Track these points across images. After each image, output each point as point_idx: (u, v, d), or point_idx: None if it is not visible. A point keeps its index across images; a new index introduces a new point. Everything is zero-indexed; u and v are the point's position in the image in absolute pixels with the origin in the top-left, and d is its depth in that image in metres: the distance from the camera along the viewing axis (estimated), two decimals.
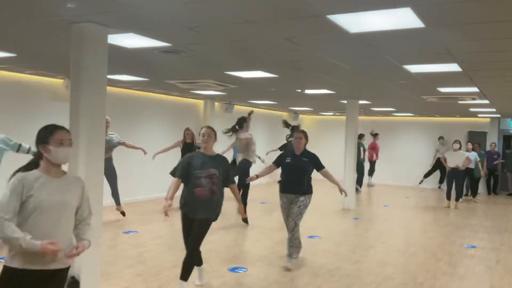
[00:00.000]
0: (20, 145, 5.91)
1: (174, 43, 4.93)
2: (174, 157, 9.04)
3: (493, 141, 14.64)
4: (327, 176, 5.69)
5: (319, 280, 5.20)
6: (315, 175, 10.94)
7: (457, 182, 11.14)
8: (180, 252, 6.28)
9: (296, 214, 5.52)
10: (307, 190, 5.61)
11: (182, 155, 8.94)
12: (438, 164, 13.60)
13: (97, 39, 4.29)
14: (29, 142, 8.36)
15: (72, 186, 2.66)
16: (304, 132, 5.70)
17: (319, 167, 5.66)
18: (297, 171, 5.56)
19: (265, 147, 15.47)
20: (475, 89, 7.86)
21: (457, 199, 11.24)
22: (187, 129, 9.32)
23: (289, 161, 5.64)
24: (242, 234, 7.66)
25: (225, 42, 4.81)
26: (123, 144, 8.01)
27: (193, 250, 4.43)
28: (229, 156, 11.05)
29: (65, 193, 2.59)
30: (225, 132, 8.13)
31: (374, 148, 14.63)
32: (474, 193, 12.83)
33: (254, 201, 11.27)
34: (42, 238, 2.41)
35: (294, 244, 5.62)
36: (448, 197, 11.25)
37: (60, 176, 2.61)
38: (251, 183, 6.85)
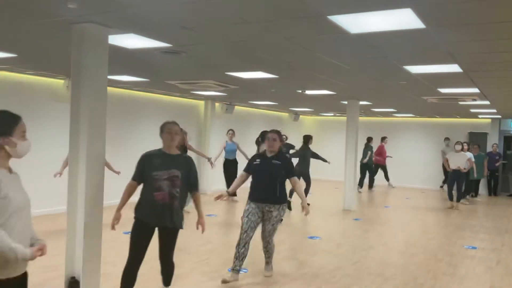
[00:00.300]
0: None
1: (174, 44, 4.94)
2: None
3: (493, 142, 14.63)
4: (296, 186, 5.12)
5: (320, 280, 5.20)
6: (315, 174, 10.81)
7: (458, 183, 11.14)
8: (181, 253, 6.29)
9: (270, 233, 5.00)
10: (281, 199, 4.94)
11: None
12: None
13: (98, 40, 4.29)
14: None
15: (20, 181, 2.40)
16: (279, 133, 5.12)
17: (290, 173, 5.03)
18: (267, 175, 4.91)
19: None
20: (475, 90, 7.85)
21: (458, 200, 11.24)
22: (181, 130, 9.09)
23: (257, 163, 4.99)
24: None
25: (226, 42, 4.81)
26: None
27: (171, 261, 4.09)
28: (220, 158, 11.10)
29: (23, 189, 2.36)
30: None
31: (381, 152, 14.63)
32: (464, 194, 12.28)
33: None
34: (18, 242, 2.21)
35: (268, 253, 5.23)
36: (451, 198, 11.25)
37: (12, 171, 2.34)
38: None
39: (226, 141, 10.81)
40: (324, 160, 10.67)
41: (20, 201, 2.27)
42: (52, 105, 8.44)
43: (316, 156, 10.36)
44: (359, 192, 13.79)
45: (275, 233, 5.06)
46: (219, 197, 5.04)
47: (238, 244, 4.89)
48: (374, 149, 14.46)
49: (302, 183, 8.69)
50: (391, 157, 14.82)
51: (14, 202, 2.21)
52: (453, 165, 11.04)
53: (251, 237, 4.88)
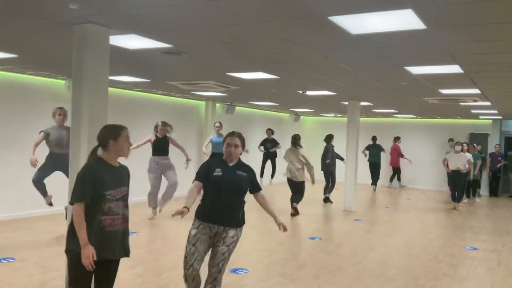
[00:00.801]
0: None
1: (175, 44, 4.94)
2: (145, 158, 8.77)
3: (495, 143, 14.61)
4: (264, 202, 4.04)
5: (320, 281, 5.19)
6: (316, 175, 10.83)
7: (458, 184, 11.12)
8: (181, 253, 6.29)
9: (224, 257, 3.76)
10: (242, 221, 3.92)
11: (153, 153, 8.39)
12: None
13: (99, 40, 4.30)
14: (29, 143, 8.39)
15: None
16: (241, 137, 3.95)
17: (256, 187, 3.98)
18: (231, 190, 3.78)
19: None
20: (476, 91, 7.85)
21: (458, 201, 11.22)
22: (163, 123, 8.46)
23: (219, 174, 3.79)
24: (243, 235, 7.62)
25: (226, 43, 4.81)
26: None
27: None
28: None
29: None
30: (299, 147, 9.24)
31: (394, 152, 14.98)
32: (460, 197, 11.70)
33: (255, 203, 11.24)
34: None
35: None
36: (454, 199, 11.25)
37: None
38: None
39: (214, 135, 10.35)
40: (342, 159, 11.64)
41: None
42: (53, 106, 8.43)
43: (337, 156, 11.69)
44: (374, 191, 14.34)
45: (229, 260, 3.82)
46: (179, 214, 3.53)
47: (186, 280, 3.77)
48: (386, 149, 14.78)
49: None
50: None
51: None
52: (452, 166, 11.02)
53: (198, 270, 3.74)
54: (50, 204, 6.97)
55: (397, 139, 14.85)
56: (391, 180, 15.33)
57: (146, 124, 10.69)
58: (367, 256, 6.43)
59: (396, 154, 14.75)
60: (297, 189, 9.36)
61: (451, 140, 14.80)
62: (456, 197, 11.19)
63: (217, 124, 10.34)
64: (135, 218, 8.38)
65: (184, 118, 11.88)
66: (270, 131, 12.40)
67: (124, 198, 3.12)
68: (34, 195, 8.02)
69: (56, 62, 6.55)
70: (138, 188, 10.08)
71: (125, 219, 3.12)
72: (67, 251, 3.05)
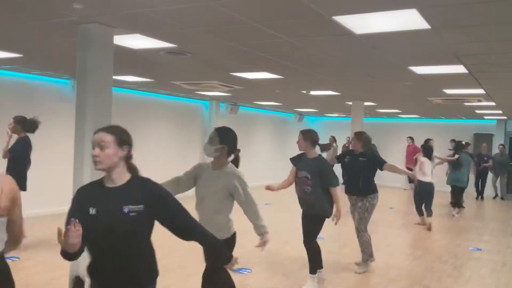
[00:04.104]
0: None
1: (179, 44, 4.95)
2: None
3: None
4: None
5: (324, 281, 5.18)
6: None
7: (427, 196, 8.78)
8: (184, 253, 6.30)
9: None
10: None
11: None
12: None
13: (103, 40, 4.31)
14: (34, 144, 8.47)
15: None
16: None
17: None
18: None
19: (270, 150, 15.48)
20: (481, 91, 7.82)
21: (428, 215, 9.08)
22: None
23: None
24: (246, 235, 7.63)
25: (230, 43, 4.81)
26: None
27: None
28: None
29: None
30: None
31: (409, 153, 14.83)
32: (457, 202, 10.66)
33: (258, 203, 11.23)
34: None
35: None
36: (421, 213, 8.93)
37: None
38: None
39: None
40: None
41: None
42: (57, 106, 8.47)
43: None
44: None
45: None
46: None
47: None
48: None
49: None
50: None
51: None
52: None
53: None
54: None
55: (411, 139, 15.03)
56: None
57: (150, 124, 10.73)
58: None
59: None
60: None
61: (453, 141, 14.61)
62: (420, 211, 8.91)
63: None
64: None
65: (188, 118, 11.90)
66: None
67: None
68: (38, 194, 8.06)
69: (60, 61, 6.58)
70: None
71: None
72: None
